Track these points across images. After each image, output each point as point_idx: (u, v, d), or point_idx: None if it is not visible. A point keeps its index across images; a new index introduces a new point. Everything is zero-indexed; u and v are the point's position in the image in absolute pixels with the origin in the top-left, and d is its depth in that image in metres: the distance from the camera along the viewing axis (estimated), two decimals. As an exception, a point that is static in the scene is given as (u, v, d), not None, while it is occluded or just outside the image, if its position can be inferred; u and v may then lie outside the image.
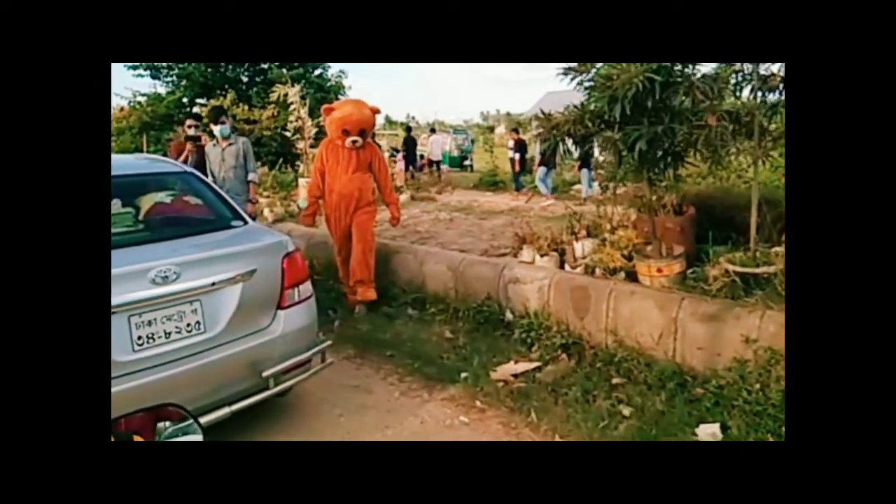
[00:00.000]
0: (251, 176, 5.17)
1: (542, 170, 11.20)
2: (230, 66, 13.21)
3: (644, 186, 3.68)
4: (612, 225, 4.45)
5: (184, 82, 12.98)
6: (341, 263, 4.81)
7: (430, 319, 4.33)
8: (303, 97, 7.80)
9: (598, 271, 3.87)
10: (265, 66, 13.42)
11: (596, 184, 12.80)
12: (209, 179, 5.07)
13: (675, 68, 2.84)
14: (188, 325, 2.42)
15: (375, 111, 4.70)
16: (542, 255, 4.22)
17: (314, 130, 7.86)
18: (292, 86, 7.67)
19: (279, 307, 2.74)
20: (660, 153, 3.19)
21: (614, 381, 3.28)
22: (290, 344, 2.73)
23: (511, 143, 13.66)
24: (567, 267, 4.09)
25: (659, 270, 3.59)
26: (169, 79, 13.31)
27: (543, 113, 3.73)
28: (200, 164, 5.36)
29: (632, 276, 3.78)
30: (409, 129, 14.88)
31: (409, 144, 14.50)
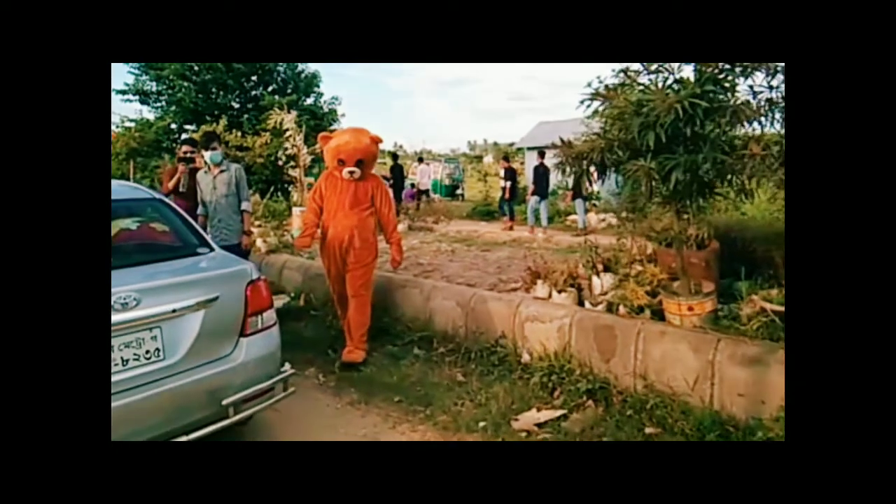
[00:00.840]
0: (244, 205, 4.83)
1: (534, 199, 11.06)
2: (221, 93, 13.02)
3: (671, 218, 3.47)
4: (631, 259, 4.22)
5: (173, 108, 12.73)
6: (337, 301, 4.47)
7: (439, 360, 4.02)
8: (299, 124, 7.56)
9: (621, 309, 3.62)
10: (256, 92, 13.25)
11: (591, 214, 12.81)
12: (200, 207, 4.82)
13: (719, 96, 2.65)
14: (147, 351, 2.37)
15: (376, 140, 4.27)
16: (559, 292, 3.97)
17: (309, 158, 7.61)
18: (288, 112, 7.43)
19: (242, 335, 2.70)
20: (695, 184, 2.98)
21: (647, 430, 2.99)
22: (252, 372, 2.68)
23: (502, 172, 13.61)
24: (587, 304, 3.83)
25: (690, 309, 3.35)
26: (158, 105, 13.06)
27: (563, 141, 3.53)
28: (193, 188, 5.11)
29: (657, 315, 3.54)
30: (395, 156, 14.68)
31: (397, 173, 14.35)
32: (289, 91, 13.26)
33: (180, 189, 5.36)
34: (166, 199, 3.30)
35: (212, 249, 3.00)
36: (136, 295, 2.31)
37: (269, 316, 2.87)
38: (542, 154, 11.46)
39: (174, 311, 2.42)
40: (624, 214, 4.18)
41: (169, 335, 2.42)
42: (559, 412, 3.18)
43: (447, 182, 21.18)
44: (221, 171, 4.79)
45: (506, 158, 14.58)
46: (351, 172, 4.10)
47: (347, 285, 4.19)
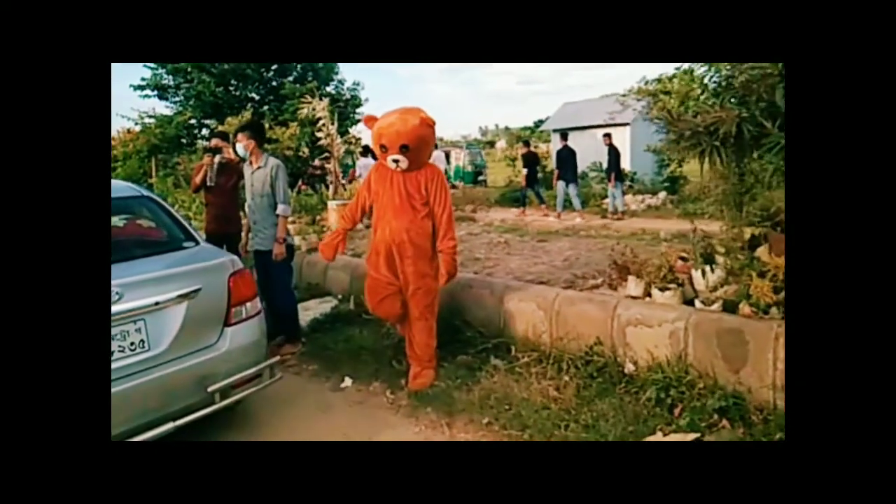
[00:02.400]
0: (280, 208, 4.15)
1: (561, 184, 10.59)
2: (240, 84, 12.56)
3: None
4: (728, 247, 3.68)
5: (192, 102, 12.24)
6: (389, 320, 3.96)
7: (523, 371, 3.52)
8: (332, 112, 7.04)
9: (745, 308, 3.09)
10: (276, 83, 12.77)
11: (629, 196, 12.21)
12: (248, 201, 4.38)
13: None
14: (132, 343, 2.47)
15: (428, 122, 3.46)
16: (660, 289, 3.45)
17: (343, 149, 7.11)
18: (320, 99, 6.92)
19: (226, 324, 2.82)
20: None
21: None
22: (238, 360, 2.80)
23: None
24: (697, 303, 3.31)
25: (837, 308, 2.81)
26: (177, 99, 12.60)
27: (671, 115, 2.99)
28: (224, 183, 4.77)
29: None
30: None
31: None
32: (309, 79, 12.77)
33: (208, 183, 4.89)
34: (154, 196, 3.37)
35: (197, 243, 3.08)
36: (118, 289, 2.39)
37: (253, 305, 2.97)
38: (564, 136, 11.01)
39: (157, 303, 2.52)
40: (723, 197, 3.61)
41: (153, 327, 2.52)
42: (691, 435, 2.67)
43: (469, 168, 20.61)
44: (259, 168, 4.30)
45: (526, 143, 13.86)
46: (395, 161, 3.40)
47: (410, 306, 3.57)
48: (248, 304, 2.92)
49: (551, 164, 16.66)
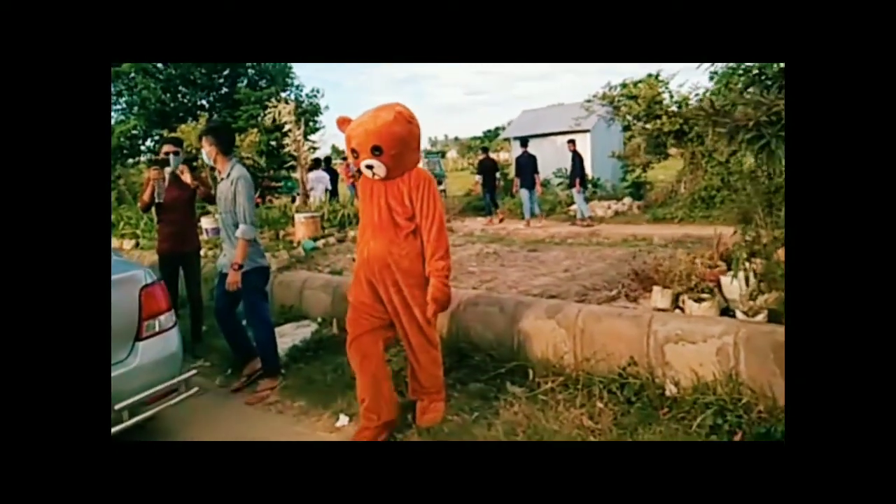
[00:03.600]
0: (240, 229, 3.51)
1: (524, 192, 10.53)
2: (189, 90, 11.70)
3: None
4: (750, 250, 3.43)
5: (136, 109, 11.23)
6: (357, 363, 3.31)
7: (548, 398, 3.12)
8: (298, 117, 6.47)
9: (795, 320, 2.81)
10: (226, 89, 11.99)
11: (594, 202, 12.18)
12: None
13: None
14: None
15: (406, 117, 2.78)
16: (696, 301, 3.14)
17: (309, 155, 6.56)
18: (286, 103, 6.35)
19: (137, 339, 2.76)
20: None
21: None
22: (150, 375, 2.73)
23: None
24: (739, 314, 3.02)
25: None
26: (118, 107, 11.58)
27: (715, 107, 2.69)
28: (178, 197, 4.25)
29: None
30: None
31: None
32: (263, 84, 12.02)
33: (156, 200, 4.25)
34: None
35: None
36: None
37: (168, 319, 2.92)
38: (524, 143, 11.02)
39: None
40: (756, 197, 3.36)
41: None
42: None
43: (429, 178, 20.28)
44: (223, 179, 3.73)
45: (484, 150, 13.75)
46: (369, 168, 2.77)
47: (408, 339, 2.98)
48: (162, 317, 2.87)
49: (511, 172, 16.65)
